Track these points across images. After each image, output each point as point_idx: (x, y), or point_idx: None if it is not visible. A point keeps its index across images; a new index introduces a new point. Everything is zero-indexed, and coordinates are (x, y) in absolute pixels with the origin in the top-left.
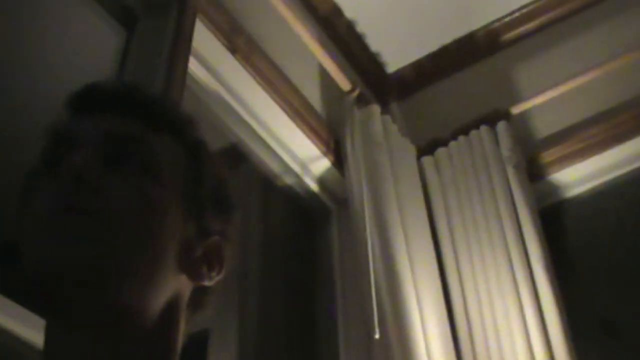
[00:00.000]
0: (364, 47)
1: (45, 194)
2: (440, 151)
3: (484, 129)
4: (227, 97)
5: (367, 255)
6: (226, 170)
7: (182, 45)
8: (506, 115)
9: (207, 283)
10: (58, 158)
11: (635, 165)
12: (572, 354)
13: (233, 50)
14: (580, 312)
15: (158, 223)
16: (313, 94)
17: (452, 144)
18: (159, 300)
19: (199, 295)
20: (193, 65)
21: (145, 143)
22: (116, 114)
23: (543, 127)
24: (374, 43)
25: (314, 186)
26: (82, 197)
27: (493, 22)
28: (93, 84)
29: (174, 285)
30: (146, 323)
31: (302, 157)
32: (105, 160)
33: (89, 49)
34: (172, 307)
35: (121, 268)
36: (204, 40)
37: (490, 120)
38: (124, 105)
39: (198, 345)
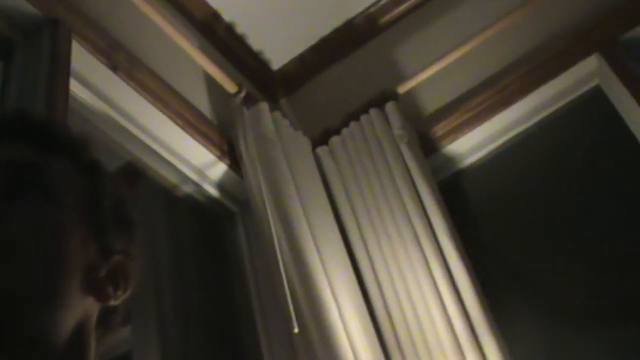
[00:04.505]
0: (246, 48)
1: None
2: (334, 139)
3: (373, 111)
4: (115, 116)
5: (275, 252)
6: (125, 189)
7: (60, 68)
8: (393, 96)
9: (113, 303)
10: None
11: (524, 127)
12: (488, 314)
13: (114, 67)
14: (490, 273)
15: (60, 248)
16: (201, 101)
17: (345, 130)
18: (67, 324)
19: (107, 315)
20: (75, 87)
21: (42, 169)
22: (9, 141)
23: (431, 102)
24: (256, 42)
25: (214, 192)
26: None
27: (369, 7)
28: None
29: (81, 307)
30: (56, 348)
31: (198, 164)
32: (4, 190)
33: None
34: (81, 330)
35: (28, 296)
36: (83, 60)
37: (379, 102)
38: (15, 132)
39: None
